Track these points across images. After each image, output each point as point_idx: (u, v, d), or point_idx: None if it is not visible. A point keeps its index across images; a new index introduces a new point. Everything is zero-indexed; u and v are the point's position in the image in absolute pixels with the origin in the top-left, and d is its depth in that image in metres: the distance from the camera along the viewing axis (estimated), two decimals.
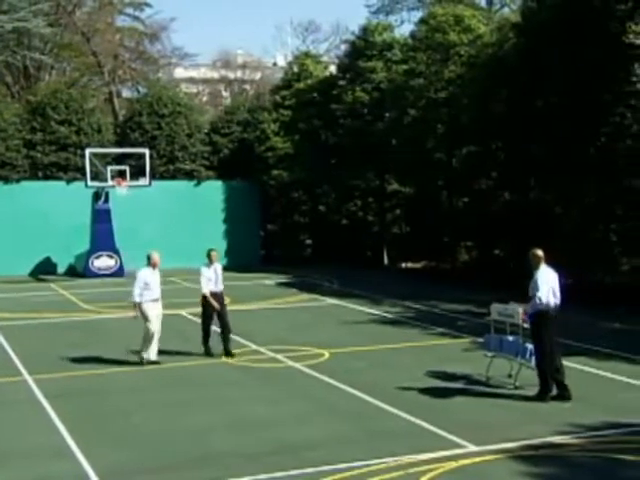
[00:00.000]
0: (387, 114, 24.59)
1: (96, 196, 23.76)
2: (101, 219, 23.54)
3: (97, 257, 23.42)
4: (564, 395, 8.74)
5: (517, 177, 19.87)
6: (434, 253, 24.33)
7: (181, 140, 26.70)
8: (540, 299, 8.60)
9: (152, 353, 10.80)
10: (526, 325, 9.23)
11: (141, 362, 10.69)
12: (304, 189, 27.90)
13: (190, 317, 15.34)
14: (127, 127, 26.91)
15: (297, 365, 10.76)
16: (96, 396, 9.30)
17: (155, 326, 10.71)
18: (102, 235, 23.47)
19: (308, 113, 26.12)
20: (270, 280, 22.01)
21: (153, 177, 24.59)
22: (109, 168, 23.69)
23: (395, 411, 8.43)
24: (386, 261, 26.29)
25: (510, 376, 9.60)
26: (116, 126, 28.19)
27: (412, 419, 8.14)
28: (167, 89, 28.47)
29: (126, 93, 38.72)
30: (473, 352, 11.20)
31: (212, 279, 11.26)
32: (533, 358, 9.15)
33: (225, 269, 25.17)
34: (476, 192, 22.27)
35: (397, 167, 24.37)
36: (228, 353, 11.18)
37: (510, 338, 9.62)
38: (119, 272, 23.37)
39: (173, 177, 26.56)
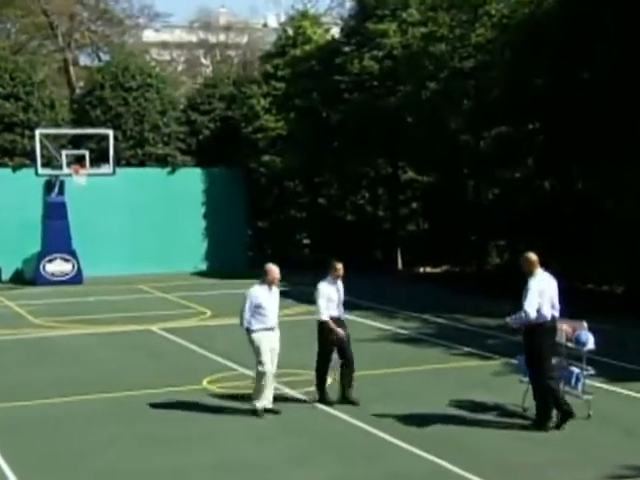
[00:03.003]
0: (401, 87, 24.58)
1: (48, 186, 23.74)
2: (55, 214, 23.52)
3: (50, 261, 23.41)
4: (559, 424, 8.97)
5: (558, 164, 19.88)
6: (458, 255, 24.36)
7: (152, 119, 26.69)
8: (526, 312, 8.76)
9: (267, 399, 9.71)
10: (570, 344, 9.25)
11: (256, 413, 9.59)
12: (301, 178, 27.91)
13: (162, 333, 15.35)
14: (86, 103, 26.89)
15: (293, 393, 10.77)
16: (49, 431, 9.28)
17: (268, 364, 9.62)
18: (56, 234, 23.45)
19: (305, 86, 26.11)
20: None
21: (118, 164, 24.59)
22: (64, 152, 23.66)
23: (413, 450, 8.43)
24: (400, 265, 26.29)
25: None
26: (72, 101, 28.19)
27: (434, 459, 8.13)
28: (134, 56, 28.51)
29: (85, 61, 38.72)
30: (506, 376, 11.20)
31: (334, 300, 10.12)
32: (580, 384, 9.16)
33: (205, 274, 25.97)
34: (509, 182, 22.29)
35: (413, 152, 24.37)
36: (347, 398, 10.09)
37: (552, 361, 9.61)
38: (77, 279, 23.37)
39: (142, 164, 26.55)
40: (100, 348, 14.17)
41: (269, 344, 9.61)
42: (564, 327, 9.29)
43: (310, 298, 19.63)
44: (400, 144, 24.50)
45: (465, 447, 8.54)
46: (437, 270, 25.55)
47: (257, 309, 9.54)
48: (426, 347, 13.81)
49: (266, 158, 25.93)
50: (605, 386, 10.81)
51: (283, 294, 20.75)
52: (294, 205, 28.54)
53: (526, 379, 9.62)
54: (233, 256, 26.46)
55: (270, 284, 9.67)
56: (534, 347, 8.97)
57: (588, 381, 9.67)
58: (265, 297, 9.61)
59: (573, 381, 9.26)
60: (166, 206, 26.09)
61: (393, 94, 24.79)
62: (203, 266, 26.69)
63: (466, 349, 13.52)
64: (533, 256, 9.21)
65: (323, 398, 10.19)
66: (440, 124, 22.49)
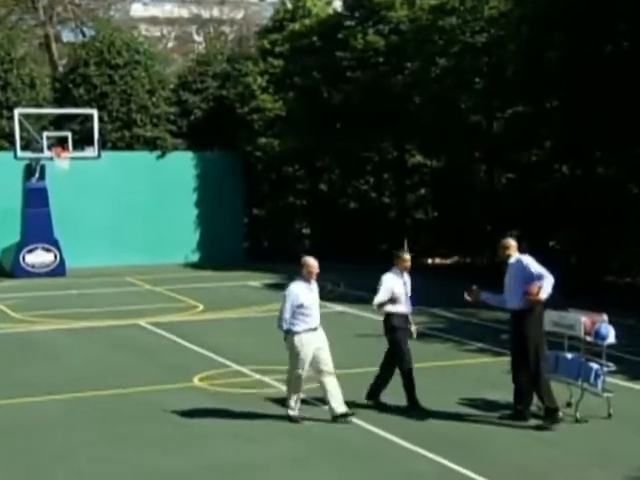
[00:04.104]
0: (409, 64, 24.52)
1: (28, 171, 23.72)
2: (35, 201, 23.51)
3: (30, 251, 23.41)
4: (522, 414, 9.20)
5: (578, 146, 19.84)
6: (469, 245, 24.34)
7: (140, 98, 26.67)
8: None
9: (339, 402, 9.35)
10: (589, 338, 9.25)
11: (294, 419, 9.34)
12: (301, 162, 27.89)
13: (151, 328, 15.36)
14: (69, 81, 26.87)
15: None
16: (28, 432, 9.28)
17: (302, 370, 9.30)
18: (36, 222, 23.45)
19: (305, 63, 26.07)
20: (256, 281, 22.02)
21: (103, 146, 24.56)
22: (45, 134, 23.64)
23: (421, 451, 8.43)
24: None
25: (569, 405, 9.60)
26: (54, 80, 28.14)
27: (443, 461, 8.13)
28: (121, 32, 28.39)
29: (68, 37, 38.66)
30: None
31: (402, 295, 9.86)
32: (599, 381, 9.15)
33: (197, 266, 25.98)
34: (525, 166, 22.25)
35: (421, 134, 24.33)
36: (415, 403, 9.77)
37: (569, 356, 9.63)
38: (59, 270, 23.40)
39: (129, 147, 26.55)
40: (83, 344, 14.17)
41: (314, 345, 9.35)
42: (582, 320, 9.28)
43: None
44: (407, 126, 24.46)
45: (475, 448, 8.54)
46: (447, 261, 25.54)
47: (299, 309, 9.30)
48: (435, 343, 13.82)
49: (263, 141, 25.90)
50: (627, 383, 10.80)
51: (281, 287, 20.92)
52: (293, 192, 28.53)
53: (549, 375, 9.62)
54: (227, 246, 26.47)
55: (309, 279, 9.48)
56: (528, 334, 9.12)
57: (608, 378, 9.67)
58: (306, 295, 9.38)
59: (592, 378, 9.25)
60: (155, 192, 26.09)
61: (400, 72, 24.74)
62: (195, 257, 26.72)
63: (478, 345, 13.52)
64: (512, 241, 9.53)
65: (414, 403, 9.75)
66: (450, 104, 22.45)
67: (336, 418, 9.31)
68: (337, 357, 12.32)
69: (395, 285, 9.88)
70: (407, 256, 10.00)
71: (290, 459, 8.33)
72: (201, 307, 17.85)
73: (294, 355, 9.37)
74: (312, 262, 9.54)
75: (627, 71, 17.16)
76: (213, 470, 8.03)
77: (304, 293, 9.40)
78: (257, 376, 11.60)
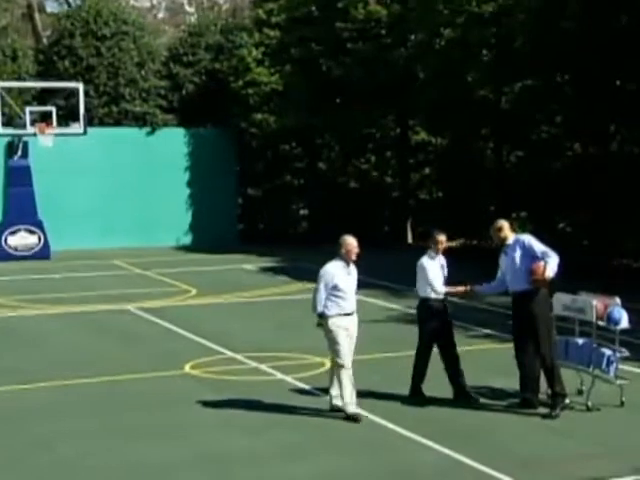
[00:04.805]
0: (412, 36, 24.43)
1: (10, 148, 23.69)
2: (17, 180, 23.51)
3: (13, 233, 23.41)
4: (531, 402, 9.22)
5: (593, 122, 19.79)
6: (476, 227, 24.32)
7: (128, 72, 26.59)
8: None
9: (352, 401, 9.16)
10: (601, 323, 9.25)
11: (355, 417, 8.97)
12: (298, 140, 27.82)
13: (140, 313, 15.37)
14: (53, 53, 26.78)
15: (288, 378, 10.78)
16: (10, 421, 9.29)
17: (348, 356, 9.06)
18: (19, 202, 23.46)
19: (303, 34, 25.96)
20: (251, 264, 22.04)
21: (89, 122, 24.50)
22: (28, 109, 23.59)
23: (423, 441, 8.44)
24: (410, 238, 26.28)
25: (580, 393, 9.62)
26: (38, 52, 28.05)
27: (446, 451, 8.14)
28: (109, 1, 28.25)
29: (52, 7, 38.48)
30: None
31: (438, 277, 9.68)
32: (612, 368, 9.16)
33: (190, 249, 25.99)
34: (534, 143, 22.23)
35: (425, 110, 24.29)
36: (465, 393, 9.68)
37: (579, 341, 9.63)
38: (43, 253, 23.41)
39: (117, 123, 26.49)
40: (69, 330, 14.18)
41: (347, 332, 9.08)
42: (594, 303, 9.27)
43: (308, 275, 19.82)
44: (411, 101, 24.41)
45: (481, 438, 8.55)
46: (452, 244, 25.46)
47: (333, 291, 9.00)
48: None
49: (258, 117, 25.85)
50: None
51: (277, 271, 21.04)
52: (290, 171, 28.50)
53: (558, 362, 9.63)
54: (221, 228, 26.48)
55: (348, 260, 9.15)
56: (535, 314, 9.14)
57: (621, 365, 9.67)
58: (343, 277, 9.07)
59: (604, 364, 9.26)
60: (145, 171, 26.06)
61: (403, 44, 24.68)
62: (187, 240, 26.72)
63: (484, 331, 13.54)
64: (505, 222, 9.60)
65: (418, 390, 9.69)
66: (456, 78, 22.38)
67: (353, 415, 9.06)
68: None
69: (434, 267, 9.70)
70: (442, 237, 9.77)
71: (287, 450, 8.33)
72: (193, 291, 17.86)
73: (333, 341, 9.05)
74: (351, 240, 9.14)
75: None
76: (205, 461, 8.04)
77: (340, 274, 9.08)
78: (253, 364, 11.61)
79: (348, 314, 9.11)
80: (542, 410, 9.26)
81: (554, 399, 9.17)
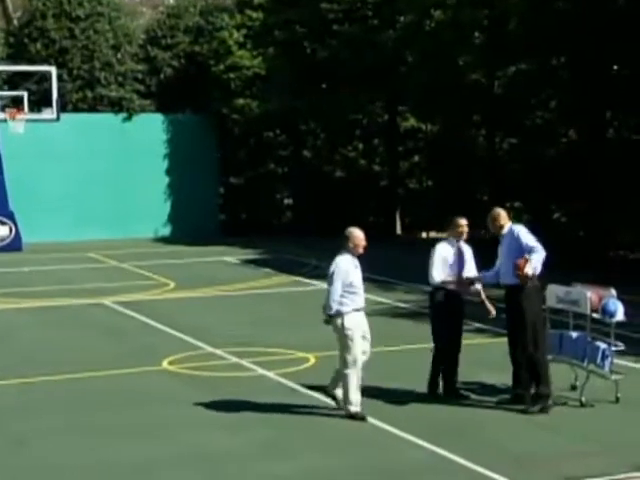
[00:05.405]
0: (401, 17, 24.42)
1: None
2: None
3: None
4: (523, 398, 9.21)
5: (588, 108, 19.84)
6: (467, 217, 24.36)
7: (104, 55, 26.49)
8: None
9: (356, 399, 9.15)
10: (596, 315, 9.28)
11: (359, 417, 8.97)
12: (282, 126, 27.79)
13: (116, 307, 15.34)
14: (24, 35, 26.66)
15: (270, 374, 10.79)
16: None
17: (360, 356, 9.06)
18: None
19: (287, 16, 25.92)
20: (232, 256, 22.02)
21: (63, 108, 24.38)
22: None
23: (411, 438, 8.45)
24: (399, 229, 26.30)
25: (574, 388, 9.66)
26: (8, 34, 27.88)
27: (435, 449, 8.16)
28: None
29: None
30: None
31: (453, 265, 9.66)
32: (607, 362, 9.19)
33: (169, 241, 25.92)
34: (528, 130, 22.26)
35: (415, 94, 24.28)
36: (455, 392, 9.71)
37: (574, 334, 9.66)
38: (14, 245, 23.33)
39: (92, 108, 26.39)
40: (41, 325, 14.14)
41: (361, 329, 9.10)
42: (589, 295, 9.30)
43: (292, 267, 19.90)
44: (400, 85, 24.42)
45: (471, 435, 8.57)
46: (442, 235, 25.51)
47: (348, 288, 9.02)
48: (429, 322, 13.81)
49: (240, 102, 25.82)
50: (637, 365, 10.86)
51: (260, 263, 21.03)
52: (274, 158, 28.48)
53: (551, 357, 9.67)
54: (201, 219, 26.45)
55: (355, 253, 9.14)
56: (522, 310, 9.13)
57: (617, 359, 9.71)
58: (353, 271, 9.07)
59: (599, 358, 9.28)
60: (121, 160, 25.99)
61: (391, 25, 24.67)
62: (166, 231, 26.68)
63: (476, 325, 13.51)
64: (503, 211, 9.61)
65: (434, 388, 9.68)
66: (447, 61, 22.39)
67: (358, 414, 9.05)
68: (315, 338, 12.38)
69: (448, 254, 9.66)
70: (463, 221, 9.68)
71: (269, 448, 8.33)
72: (172, 285, 17.83)
73: (346, 339, 9.00)
74: (359, 234, 9.13)
75: None
76: (183, 460, 8.04)
77: (352, 270, 9.07)
78: (233, 359, 11.60)
79: (361, 309, 9.19)
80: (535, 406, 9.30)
81: (536, 399, 9.18)
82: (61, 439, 8.64)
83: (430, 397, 9.67)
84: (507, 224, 9.44)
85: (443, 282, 9.61)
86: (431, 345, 9.87)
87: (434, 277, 9.62)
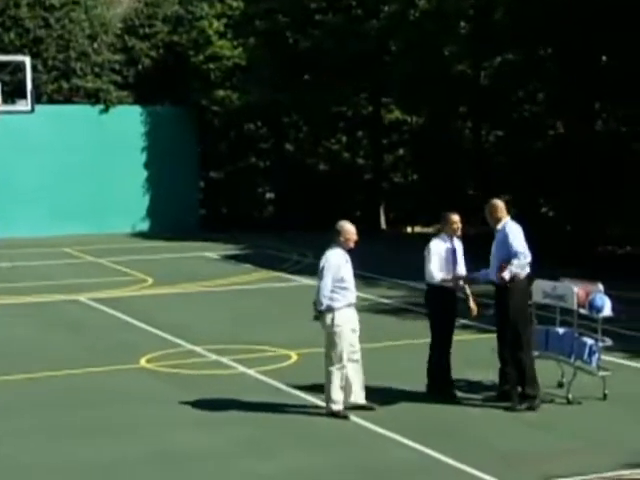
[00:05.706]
0: (385, 7, 24.41)
1: None
2: None
3: None
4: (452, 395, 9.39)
5: (576, 99, 19.90)
6: (454, 212, 24.44)
7: (79, 45, 26.37)
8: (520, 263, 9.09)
9: (359, 394, 9.25)
10: (583, 310, 9.30)
11: (341, 416, 8.98)
12: (263, 119, 27.75)
13: (92, 304, 15.29)
14: None
15: (251, 372, 10.78)
16: None
17: (346, 355, 9.06)
18: None
19: (269, 5, 25.89)
20: (212, 252, 21.99)
21: (38, 99, 24.22)
22: None
23: (396, 437, 8.46)
24: (383, 224, 26.32)
25: (561, 385, 9.70)
26: None
27: (420, 448, 8.17)
28: None
29: None
30: None
31: (448, 261, 9.65)
32: (594, 358, 9.23)
33: (147, 236, 25.85)
34: (515, 122, 22.32)
35: (399, 86, 24.30)
36: (452, 395, 9.66)
37: (560, 330, 9.70)
38: None
39: (68, 100, 26.27)
40: (15, 322, 14.07)
41: (351, 325, 9.11)
42: (575, 290, 9.32)
43: (274, 263, 19.89)
44: (384, 77, 24.42)
45: (457, 433, 8.58)
46: (428, 230, 25.54)
47: (339, 283, 9.04)
48: (413, 319, 13.86)
49: (220, 93, 25.77)
50: (625, 361, 10.92)
51: (241, 258, 21.01)
52: (255, 152, 28.45)
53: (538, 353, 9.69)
54: (181, 213, 26.40)
55: (346, 247, 9.15)
56: (507, 309, 9.17)
57: (604, 355, 9.75)
58: (345, 266, 9.10)
59: (586, 354, 9.31)
60: (98, 153, 25.90)
61: (375, 15, 24.65)
62: (144, 226, 26.61)
63: (461, 321, 13.51)
64: (501, 203, 9.53)
65: (442, 388, 9.65)
66: (432, 51, 22.41)
67: (340, 413, 9.04)
68: (297, 335, 12.40)
69: (443, 252, 9.68)
70: (455, 217, 9.69)
71: (251, 446, 8.32)
72: (150, 281, 17.79)
73: (334, 335, 9.01)
74: (350, 228, 9.15)
75: (632, 14, 17.18)
76: (161, 459, 8.01)
77: (343, 265, 9.10)
78: (213, 356, 11.59)
79: (352, 304, 9.21)
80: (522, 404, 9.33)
81: (522, 397, 9.19)
82: (34, 438, 8.61)
83: (430, 397, 9.63)
84: (504, 218, 9.37)
85: (443, 280, 9.64)
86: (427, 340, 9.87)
87: (434, 276, 9.64)
